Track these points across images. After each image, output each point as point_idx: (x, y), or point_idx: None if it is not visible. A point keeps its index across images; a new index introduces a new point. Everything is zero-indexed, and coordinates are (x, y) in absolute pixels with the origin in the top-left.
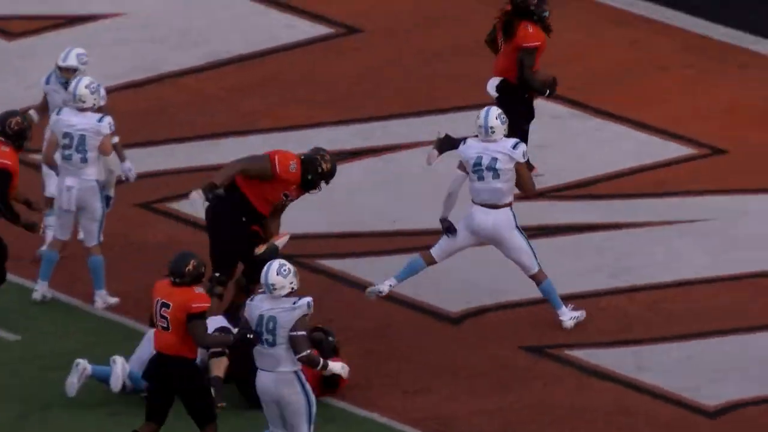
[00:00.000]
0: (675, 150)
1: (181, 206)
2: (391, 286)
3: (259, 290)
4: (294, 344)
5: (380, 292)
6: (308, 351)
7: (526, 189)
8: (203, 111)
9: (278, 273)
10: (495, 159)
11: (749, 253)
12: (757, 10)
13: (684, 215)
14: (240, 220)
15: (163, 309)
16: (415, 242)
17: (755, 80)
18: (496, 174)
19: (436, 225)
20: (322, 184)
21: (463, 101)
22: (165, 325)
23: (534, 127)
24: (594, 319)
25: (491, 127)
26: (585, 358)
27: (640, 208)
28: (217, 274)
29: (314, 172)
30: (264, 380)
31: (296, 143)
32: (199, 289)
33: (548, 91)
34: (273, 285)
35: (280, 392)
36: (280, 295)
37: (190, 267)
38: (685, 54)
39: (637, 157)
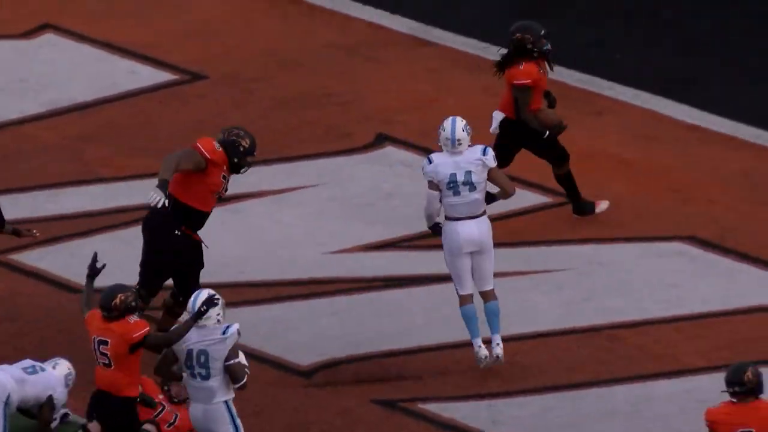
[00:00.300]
0: (531, 198)
1: (22, 257)
2: (480, 346)
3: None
4: (232, 374)
5: (485, 356)
6: (246, 378)
7: (506, 191)
8: (44, 160)
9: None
10: (469, 172)
11: (605, 303)
12: (611, 56)
13: (539, 265)
14: (173, 233)
15: (102, 346)
16: (263, 293)
17: (611, 126)
18: (472, 187)
19: (285, 275)
20: (249, 159)
21: (309, 150)
22: (106, 362)
23: (384, 175)
24: (449, 371)
25: (458, 140)
26: (439, 412)
27: (495, 259)
28: (139, 289)
29: (237, 153)
30: (195, 413)
31: (139, 193)
32: (133, 318)
33: (548, 132)
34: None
35: (209, 425)
36: (206, 326)
37: (117, 301)
38: None
39: (492, 205)
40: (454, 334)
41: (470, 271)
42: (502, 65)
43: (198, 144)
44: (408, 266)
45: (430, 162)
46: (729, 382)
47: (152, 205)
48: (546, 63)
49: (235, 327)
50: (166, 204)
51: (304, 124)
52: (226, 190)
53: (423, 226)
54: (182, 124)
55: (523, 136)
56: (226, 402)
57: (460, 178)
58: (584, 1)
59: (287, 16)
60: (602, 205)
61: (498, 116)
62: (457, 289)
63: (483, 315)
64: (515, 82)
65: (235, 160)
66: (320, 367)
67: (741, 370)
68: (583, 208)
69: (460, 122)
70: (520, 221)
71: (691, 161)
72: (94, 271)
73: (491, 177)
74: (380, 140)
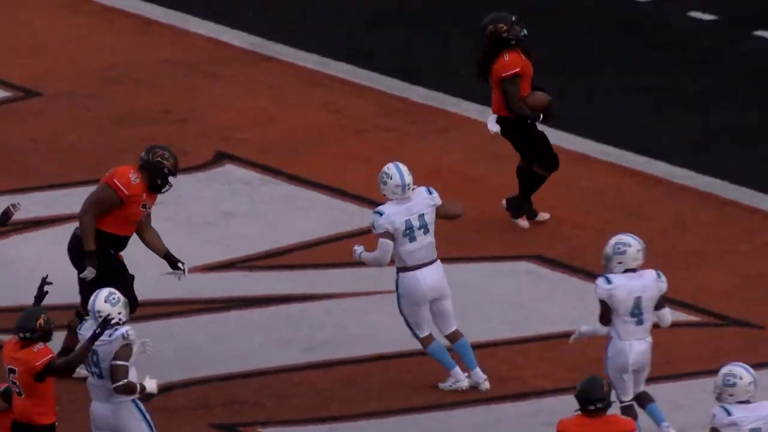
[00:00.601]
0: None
1: None
2: (462, 375)
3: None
4: (111, 373)
5: (467, 386)
6: (124, 380)
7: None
8: None
9: (106, 301)
10: (422, 215)
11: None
12: (456, 71)
13: (380, 286)
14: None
15: (11, 375)
16: None
17: (457, 143)
18: (426, 230)
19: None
20: (171, 179)
21: None
22: (17, 391)
23: (223, 194)
24: (289, 394)
25: (408, 184)
26: None
27: (335, 279)
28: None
29: (161, 175)
30: (100, 411)
31: None
32: (38, 346)
33: (541, 115)
34: (99, 312)
35: (118, 422)
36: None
37: (41, 322)
38: (383, 117)
39: (332, 225)
40: (293, 356)
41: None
42: (484, 67)
43: (114, 180)
44: (247, 287)
45: (381, 214)
46: (586, 400)
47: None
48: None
49: (120, 331)
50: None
51: (141, 142)
52: (149, 213)
53: (262, 246)
54: (18, 141)
55: (518, 134)
56: (133, 400)
57: (415, 223)
58: (431, 16)
59: (124, 31)
60: (543, 216)
61: (493, 117)
62: (416, 334)
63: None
64: (504, 74)
65: (158, 181)
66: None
67: (594, 385)
68: (520, 208)
69: (403, 166)
70: (363, 241)
71: (547, 183)
72: (41, 294)
73: (442, 212)
74: (219, 158)
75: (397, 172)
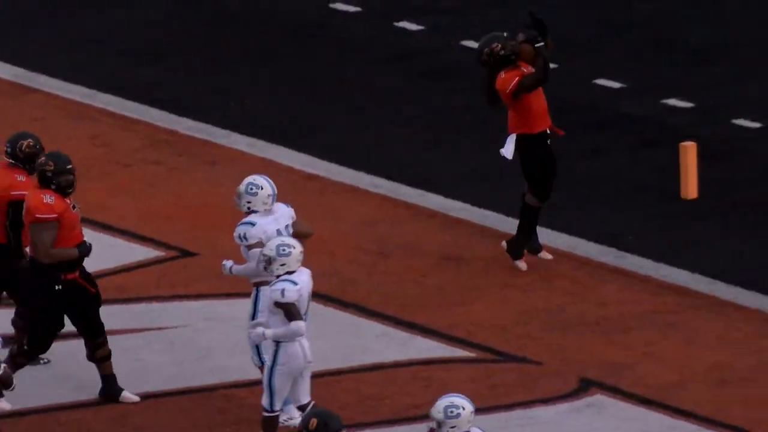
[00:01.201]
0: (141, 252)
1: None
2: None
3: None
4: None
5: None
6: None
7: (308, 233)
8: None
9: None
10: (287, 227)
11: (221, 362)
12: (226, 104)
13: (151, 322)
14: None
15: None
16: None
17: (225, 177)
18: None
19: None
20: (66, 178)
21: None
22: None
23: None
24: None
25: (276, 193)
26: None
27: (105, 315)
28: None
29: (47, 180)
30: None
31: None
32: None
33: (540, 38)
34: None
35: None
36: None
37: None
38: (150, 150)
39: (100, 260)
40: (63, 395)
41: None
42: (492, 92)
43: (36, 215)
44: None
45: (254, 224)
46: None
47: None
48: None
49: None
50: None
51: None
52: (79, 211)
53: None
54: None
55: (532, 153)
56: None
57: (284, 233)
58: (199, 47)
59: None
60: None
61: (511, 141)
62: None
63: None
64: (509, 89)
65: (53, 186)
66: None
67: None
68: (520, 249)
69: (266, 177)
70: (132, 276)
71: (310, 212)
72: None
73: (295, 231)
74: None
75: (266, 182)
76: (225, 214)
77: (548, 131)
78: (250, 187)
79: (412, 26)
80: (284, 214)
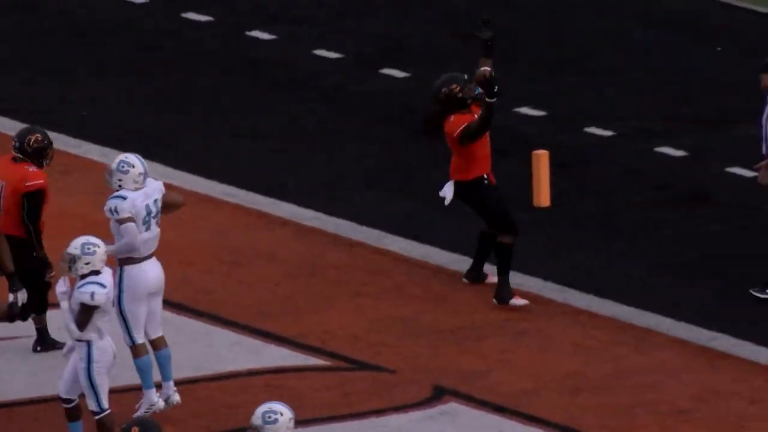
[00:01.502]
0: None
1: None
2: (159, 397)
3: None
4: None
5: (163, 407)
6: None
7: (179, 202)
8: None
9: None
10: (156, 201)
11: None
12: (79, 113)
13: (4, 332)
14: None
15: None
16: None
17: (79, 186)
18: (157, 218)
19: None
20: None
21: None
22: None
23: None
24: None
25: (147, 172)
26: None
27: None
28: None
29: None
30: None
31: None
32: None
33: (491, 87)
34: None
35: None
36: None
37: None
38: None
39: None
40: None
41: None
42: (434, 124)
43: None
44: None
45: (125, 198)
46: None
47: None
48: (482, 102)
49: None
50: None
51: None
52: None
53: None
54: None
55: (476, 198)
56: None
57: (153, 209)
58: (51, 57)
59: None
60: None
61: (449, 187)
62: (133, 339)
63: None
64: (456, 134)
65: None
66: None
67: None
68: (506, 289)
69: (138, 156)
70: None
71: (164, 221)
72: None
73: (165, 201)
74: None
75: (137, 160)
76: (79, 224)
77: (485, 176)
78: (121, 165)
79: (264, 35)
80: (155, 188)
